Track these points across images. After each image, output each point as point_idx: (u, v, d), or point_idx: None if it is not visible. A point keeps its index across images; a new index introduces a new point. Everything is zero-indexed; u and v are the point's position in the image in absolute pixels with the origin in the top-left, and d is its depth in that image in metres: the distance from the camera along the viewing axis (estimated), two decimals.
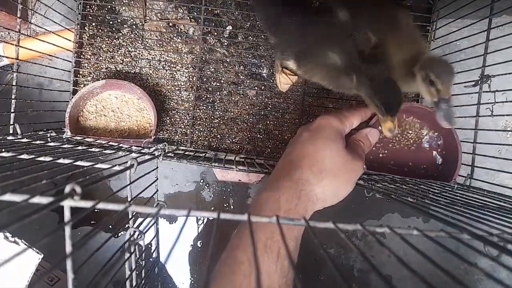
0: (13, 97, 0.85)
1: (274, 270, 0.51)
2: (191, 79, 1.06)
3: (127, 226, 0.63)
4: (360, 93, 0.74)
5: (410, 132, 0.88)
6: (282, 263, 0.52)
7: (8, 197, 0.28)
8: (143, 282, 0.66)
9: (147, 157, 0.67)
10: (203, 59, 1.05)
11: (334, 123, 0.69)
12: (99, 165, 0.55)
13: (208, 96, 1.05)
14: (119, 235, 1.21)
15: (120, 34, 1.05)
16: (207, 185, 1.21)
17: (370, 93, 0.70)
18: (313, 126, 0.72)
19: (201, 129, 1.06)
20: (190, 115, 1.05)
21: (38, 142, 0.74)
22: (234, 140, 1.06)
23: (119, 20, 1.06)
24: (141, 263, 0.66)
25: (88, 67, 1.05)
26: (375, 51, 0.76)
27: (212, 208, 1.22)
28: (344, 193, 0.64)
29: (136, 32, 1.05)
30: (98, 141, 0.86)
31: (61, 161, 0.52)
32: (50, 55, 1.06)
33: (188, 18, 1.06)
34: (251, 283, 0.48)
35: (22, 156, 0.52)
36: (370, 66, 0.72)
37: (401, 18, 0.79)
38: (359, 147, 0.74)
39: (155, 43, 1.05)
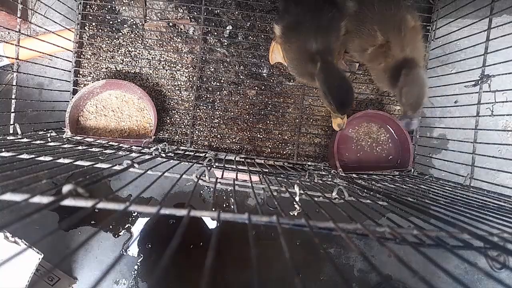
0: (13, 97, 0.85)
1: None
2: (191, 79, 1.06)
3: (126, 226, 0.63)
4: (317, 83, 0.77)
5: (372, 134, 1.03)
6: None
7: (8, 196, 0.28)
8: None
9: (147, 157, 0.67)
10: (203, 59, 1.05)
11: None
12: (99, 165, 0.55)
13: (208, 96, 1.05)
14: (119, 234, 1.21)
15: (120, 34, 1.05)
16: (207, 185, 1.21)
17: (325, 90, 0.75)
18: None
19: (201, 129, 1.06)
20: (190, 115, 1.05)
21: (38, 142, 0.74)
22: (234, 140, 1.06)
23: (119, 20, 1.06)
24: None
25: (88, 67, 1.05)
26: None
27: (213, 209, 1.22)
28: None
29: (136, 32, 1.05)
30: (98, 141, 0.86)
31: (61, 160, 0.52)
32: (50, 55, 1.06)
33: (188, 18, 1.06)
34: None
35: (22, 156, 0.52)
36: (331, 61, 0.77)
37: (409, 20, 0.79)
38: None
39: (155, 43, 1.05)
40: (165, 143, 0.87)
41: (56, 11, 1.00)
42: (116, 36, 1.05)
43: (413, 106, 0.75)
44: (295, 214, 0.47)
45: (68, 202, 0.30)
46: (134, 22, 1.06)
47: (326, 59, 0.76)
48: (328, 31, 0.78)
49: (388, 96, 1.05)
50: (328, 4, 0.79)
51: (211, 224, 1.22)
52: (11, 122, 0.84)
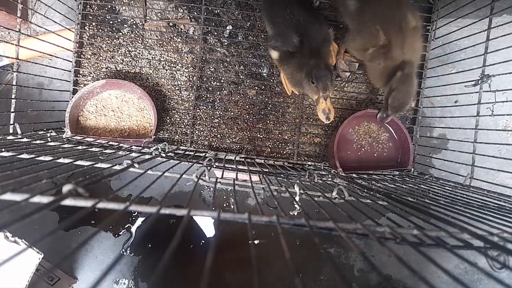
0: (13, 97, 0.85)
1: None
2: (191, 78, 1.06)
3: (126, 226, 0.63)
4: (304, 85, 0.83)
5: (372, 134, 1.03)
6: None
7: (8, 196, 0.28)
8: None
9: (147, 157, 0.67)
10: (203, 58, 1.05)
11: None
12: (99, 165, 0.55)
13: (208, 95, 1.05)
14: (119, 234, 1.21)
15: (120, 33, 1.05)
16: (207, 185, 1.21)
17: (305, 74, 0.81)
18: None
19: (201, 128, 1.06)
20: (190, 114, 1.05)
21: (38, 141, 0.74)
22: (234, 139, 1.06)
23: (119, 20, 1.06)
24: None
25: (88, 67, 1.05)
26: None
27: (213, 209, 1.22)
28: None
29: (136, 31, 1.05)
30: (98, 141, 0.86)
31: (61, 160, 0.52)
32: (50, 55, 1.06)
33: (188, 18, 1.06)
34: None
35: (22, 156, 0.52)
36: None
37: (410, 20, 0.80)
38: None
39: (155, 42, 1.05)
40: (165, 143, 0.87)
41: (56, 11, 1.00)
42: (116, 36, 1.05)
43: (395, 109, 0.82)
44: (295, 214, 0.47)
45: (68, 202, 0.30)
46: (134, 22, 1.06)
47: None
48: (320, 50, 0.86)
49: None
50: (318, 25, 0.86)
51: (209, 232, 1.21)
52: (11, 122, 0.84)
